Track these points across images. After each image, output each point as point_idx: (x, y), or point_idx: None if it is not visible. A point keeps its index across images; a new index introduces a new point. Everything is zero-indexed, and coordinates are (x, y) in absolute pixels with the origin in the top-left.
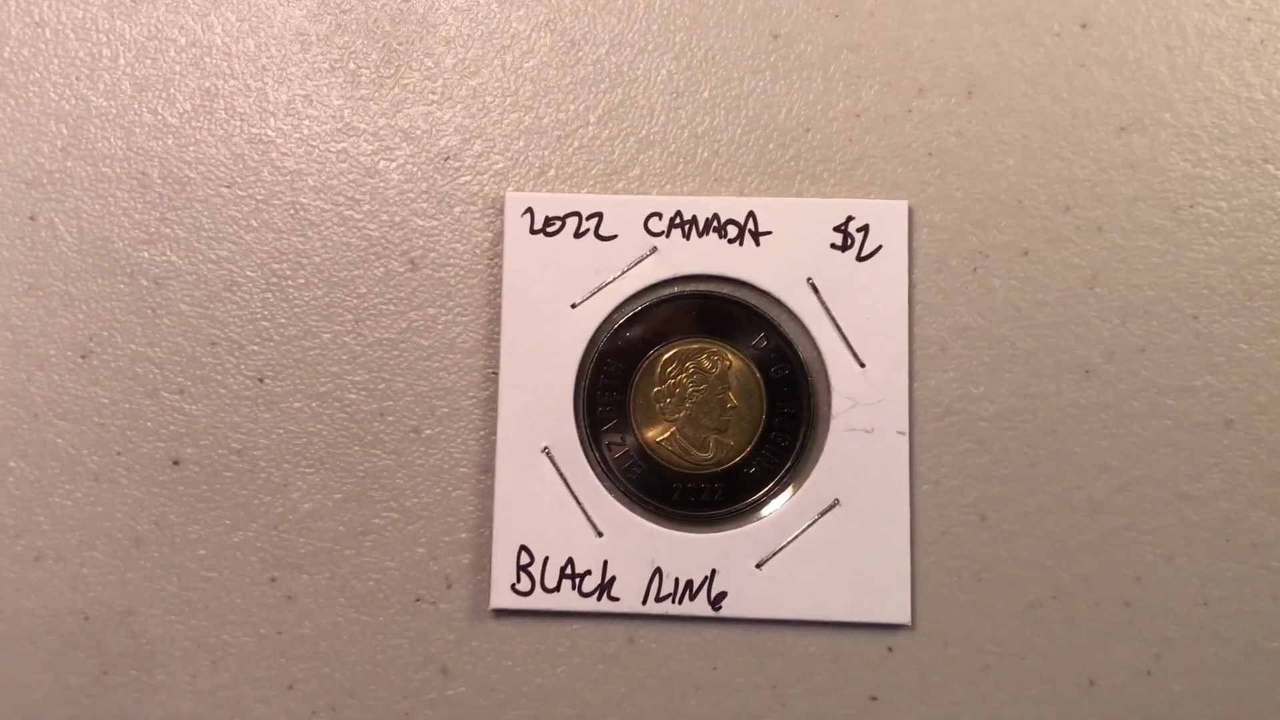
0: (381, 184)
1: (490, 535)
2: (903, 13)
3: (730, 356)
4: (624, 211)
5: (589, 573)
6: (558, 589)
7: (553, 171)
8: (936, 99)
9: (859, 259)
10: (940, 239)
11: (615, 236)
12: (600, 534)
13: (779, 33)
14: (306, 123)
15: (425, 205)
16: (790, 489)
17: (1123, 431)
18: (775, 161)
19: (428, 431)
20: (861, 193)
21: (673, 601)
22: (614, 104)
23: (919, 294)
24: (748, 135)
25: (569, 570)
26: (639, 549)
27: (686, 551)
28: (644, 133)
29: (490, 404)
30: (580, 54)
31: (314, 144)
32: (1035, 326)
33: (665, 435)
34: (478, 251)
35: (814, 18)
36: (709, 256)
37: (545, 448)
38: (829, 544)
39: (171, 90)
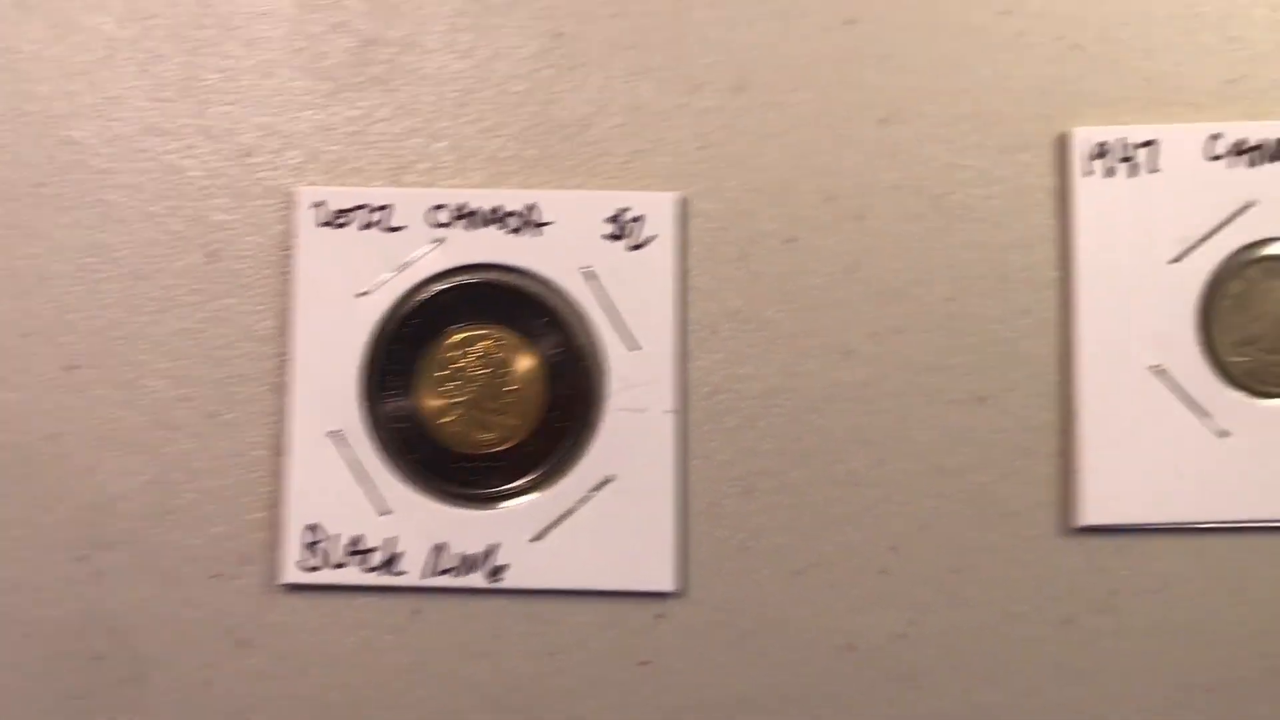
0: (184, 181)
1: (282, 514)
2: (676, 11)
3: (512, 342)
4: (411, 204)
5: (375, 549)
6: (345, 565)
7: (346, 166)
8: (709, 95)
9: (632, 248)
10: (711, 228)
11: (403, 228)
12: (387, 512)
13: (561, 31)
14: (114, 124)
15: (225, 200)
16: (567, 467)
17: (881, 408)
18: (557, 156)
19: (226, 416)
20: (637, 185)
21: (454, 575)
22: (404, 102)
23: (692, 280)
24: (531, 130)
25: (356, 547)
26: (423, 526)
27: (468, 527)
28: (432, 129)
29: (284, 390)
30: (372, 54)
31: (121, 144)
32: (800, 310)
33: (449, 417)
34: (272, 243)
35: (594, 17)
36: (491, 246)
37: (334, 430)
38: (602, 518)
39: None
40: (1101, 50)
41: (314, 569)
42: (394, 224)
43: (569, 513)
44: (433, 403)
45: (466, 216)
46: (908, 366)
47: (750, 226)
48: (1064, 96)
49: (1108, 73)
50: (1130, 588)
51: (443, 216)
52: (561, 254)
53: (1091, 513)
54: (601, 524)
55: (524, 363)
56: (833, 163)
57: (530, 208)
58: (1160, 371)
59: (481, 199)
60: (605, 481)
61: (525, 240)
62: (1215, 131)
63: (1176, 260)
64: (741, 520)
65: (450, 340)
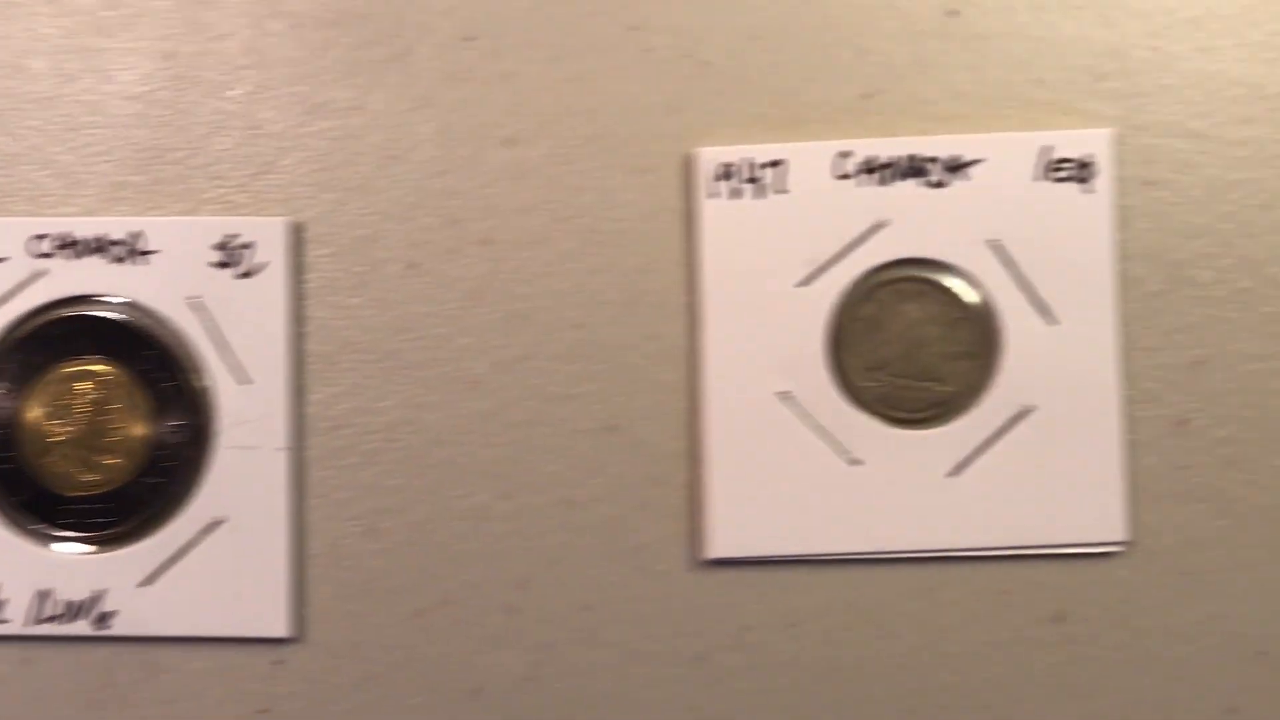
0: None
1: None
2: (295, 31)
3: (118, 377)
4: (10, 234)
5: None
6: None
7: None
8: (327, 116)
9: (241, 276)
10: (329, 255)
11: (4, 259)
12: None
13: (174, 52)
14: None
15: None
16: (176, 509)
17: (508, 439)
18: (168, 180)
19: None
20: (252, 210)
21: (59, 622)
22: (7, 127)
23: (308, 310)
24: (142, 155)
25: None
26: (26, 571)
27: (73, 572)
28: (39, 156)
29: None
30: None
31: None
32: (423, 339)
33: (52, 457)
34: None
35: (207, 38)
36: (95, 277)
37: None
38: (213, 561)
39: None
40: (731, 66)
41: None
42: None
43: (179, 556)
44: (35, 444)
45: (69, 246)
46: (535, 395)
47: (370, 253)
48: (693, 115)
49: (737, 90)
50: (763, 623)
51: (45, 246)
52: (168, 283)
53: (720, 545)
54: (213, 567)
55: (132, 399)
56: (456, 185)
57: (135, 236)
58: (789, 398)
59: (85, 228)
60: (216, 523)
61: (130, 270)
62: (844, 149)
63: (805, 283)
64: (363, 560)
65: (53, 377)
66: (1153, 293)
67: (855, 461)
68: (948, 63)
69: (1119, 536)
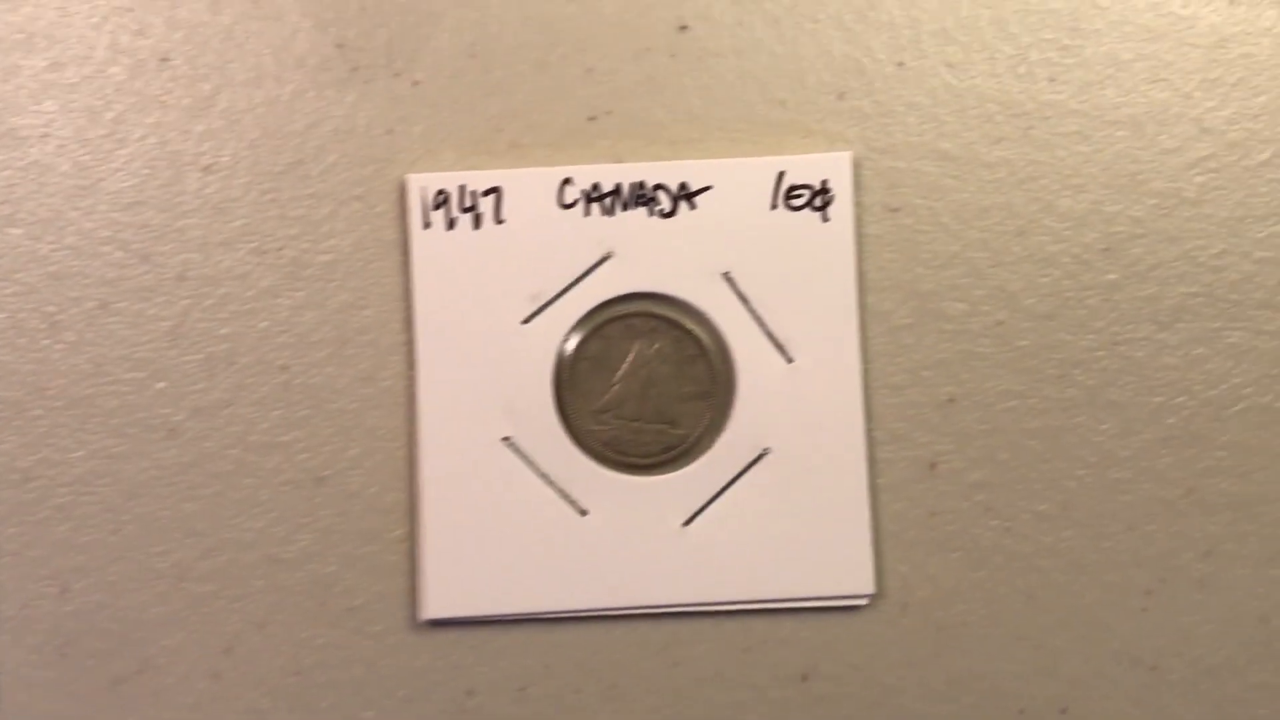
0: None
1: None
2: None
3: None
4: None
5: None
6: None
7: None
8: (12, 147)
9: None
10: (17, 295)
11: None
12: None
13: None
14: None
15: None
16: None
17: (209, 492)
18: None
19: None
20: None
21: None
22: None
23: None
24: None
25: None
26: None
27: None
28: None
29: None
30: None
31: None
32: (116, 384)
33: None
34: None
35: None
36: None
37: None
38: None
39: None
40: (446, 86)
41: None
42: None
43: None
44: None
45: None
46: (238, 444)
47: (60, 291)
48: (405, 139)
49: (453, 112)
50: (488, 687)
51: None
52: None
53: (438, 605)
54: None
55: None
56: (151, 218)
57: None
58: (513, 444)
59: None
60: None
61: None
62: (566, 176)
63: (528, 320)
64: (55, 625)
65: None
66: (900, 327)
67: (583, 511)
68: (679, 82)
69: (866, 589)
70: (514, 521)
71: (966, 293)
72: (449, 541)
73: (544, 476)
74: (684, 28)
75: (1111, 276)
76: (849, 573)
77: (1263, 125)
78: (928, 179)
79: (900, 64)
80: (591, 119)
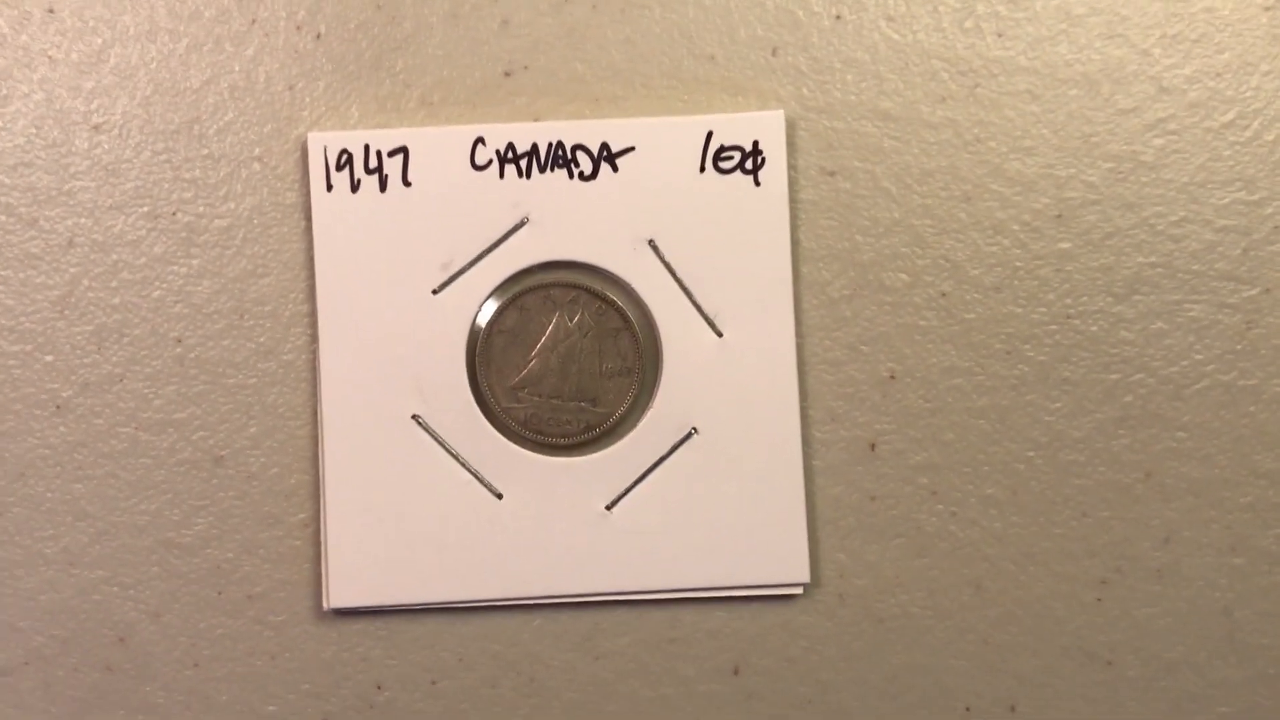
0: None
1: None
2: None
3: None
4: None
5: None
6: None
7: None
8: None
9: None
10: None
11: None
12: None
13: None
14: None
15: None
16: None
17: (100, 473)
18: None
19: None
20: None
21: None
22: None
23: None
24: None
25: None
26: None
27: None
28: None
29: None
30: None
31: None
32: (1, 357)
33: None
34: None
35: None
36: None
37: None
38: None
39: None
40: (351, 40)
41: None
42: None
43: None
44: None
45: None
46: (130, 422)
47: None
48: (307, 96)
49: (359, 67)
50: (398, 680)
51: None
52: None
53: (344, 594)
54: None
55: None
56: (35, 179)
57: None
58: (423, 423)
59: None
60: None
61: None
62: (479, 135)
63: (439, 290)
64: None
65: None
66: (837, 298)
67: (499, 494)
68: (602, 36)
69: (801, 578)
70: (425, 505)
71: (909, 262)
72: (355, 526)
73: (456, 457)
74: None
75: (1064, 245)
76: (782, 561)
77: (1225, 84)
78: (867, 140)
79: (838, 17)
80: (507, 74)
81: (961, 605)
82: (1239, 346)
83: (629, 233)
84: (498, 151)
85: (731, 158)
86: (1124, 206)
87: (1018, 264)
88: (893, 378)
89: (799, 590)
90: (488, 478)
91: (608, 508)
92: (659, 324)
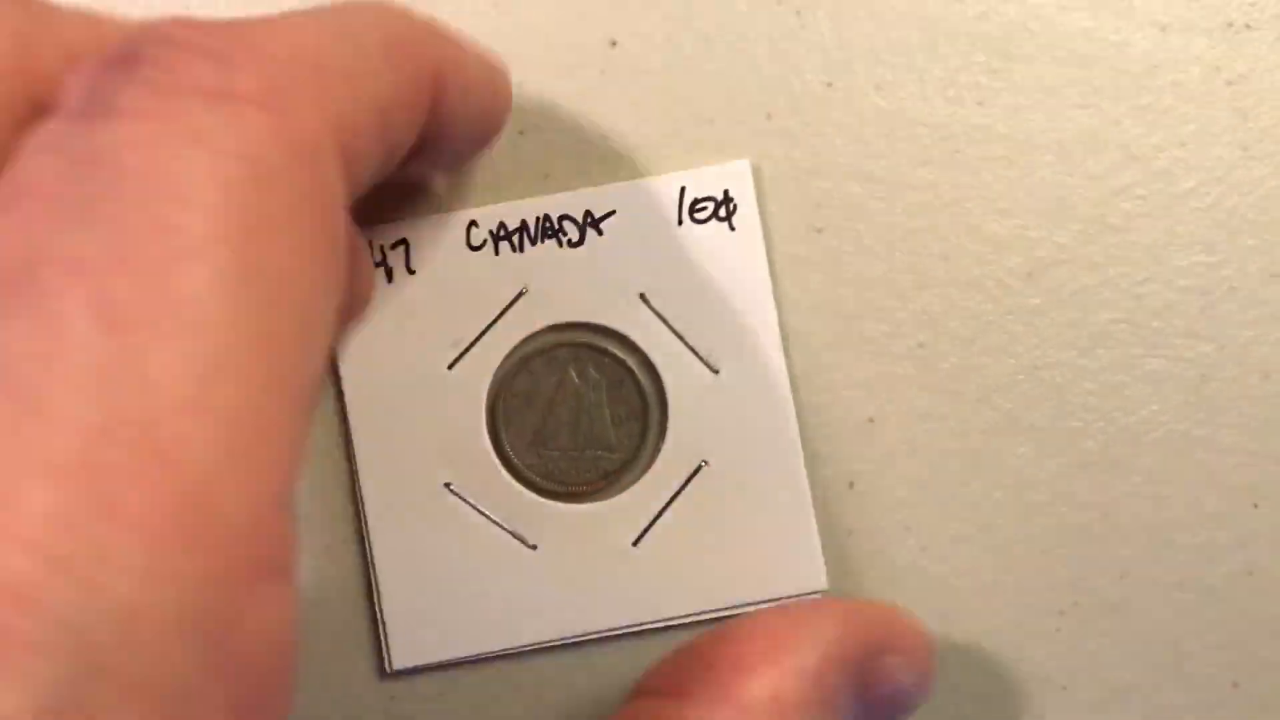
0: None
1: None
2: None
3: None
4: None
5: None
6: None
7: None
8: None
9: None
10: None
11: None
12: None
13: None
14: None
15: None
16: None
17: None
18: None
19: None
20: None
21: None
22: None
23: None
24: None
25: None
26: None
27: None
28: None
29: None
30: None
31: None
32: None
33: None
34: None
35: None
36: None
37: None
38: None
39: None
40: None
41: None
42: None
43: None
44: None
45: None
46: None
47: None
48: None
49: None
50: None
51: None
52: None
53: (402, 655)
54: None
55: None
56: None
57: None
58: (454, 489)
59: None
60: None
61: None
62: (472, 219)
63: (453, 365)
64: None
65: None
66: (821, 347)
67: (533, 546)
68: (608, 100)
69: (819, 585)
70: (466, 564)
71: (889, 314)
72: (406, 592)
73: (489, 517)
74: (614, 43)
75: (1034, 301)
76: (800, 570)
77: (1190, 153)
78: (853, 200)
79: (829, 84)
80: (521, 132)
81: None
82: (1193, 399)
83: (620, 289)
84: (490, 231)
85: (706, 208)
86: (1091, 266)
87: (990, 318)
88: (872, 421)
89: (819, 596)
90: (521, 531)
91: (634, 544)
92: (660, 369)
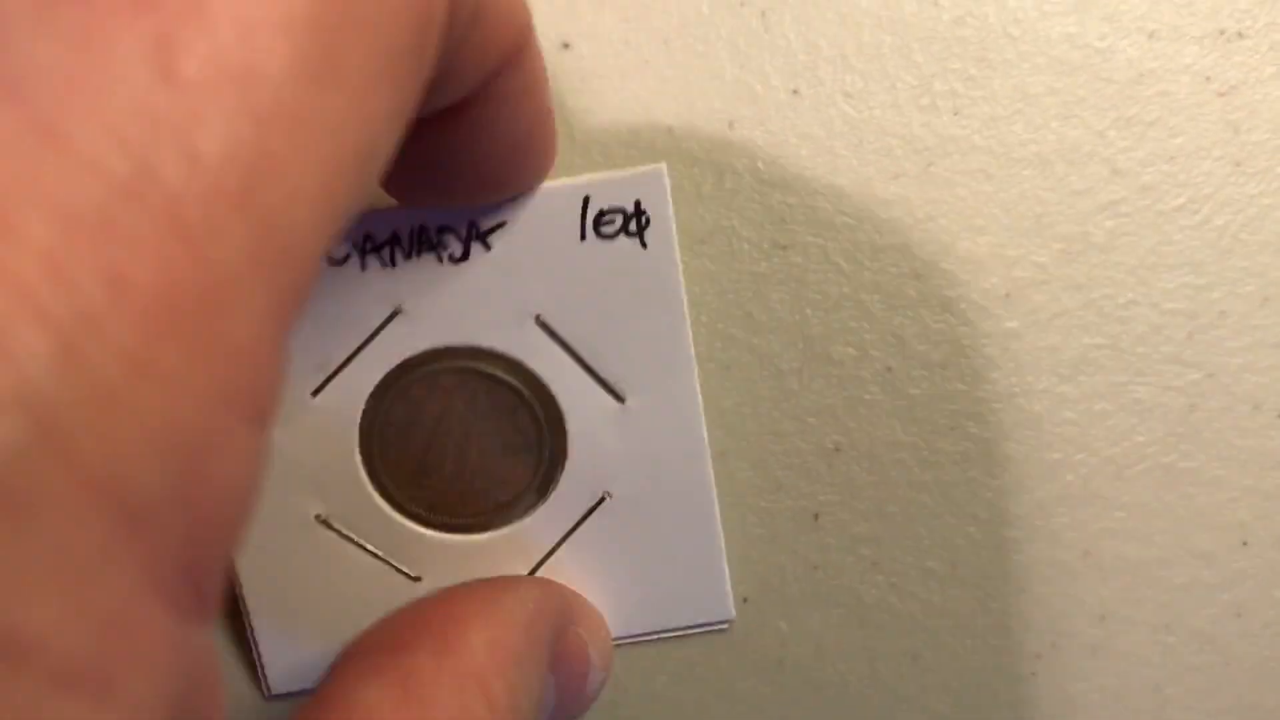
0: None
1: None
2: None
3: None
4: None
5: None
6: None
7: None
8: None
9: None
10: None
11: None
12: None
13: None
14: None
15: None
16: None
17: None
18: None
19: None
20: None
21: None
22: None
23: None
24: None
25: None
26: None
27: None
28: None
29: None
30: None
31: None
32: None
33: None
34: None
35: None
36: None
37: None
38: None
39: None
40: None
41: None
42: None
43: None
44: None
45: None
46: None
47: None
48: None
49: None
50: None
51: None
52: None
53: (279, 681)
54: None
55: None
56: None
57: None
58: (327, 522)
59: None
60: None
61: None
62: None
63: (318, 392)
64: None
65: None
66: (786, 370)
67: (416, 577)
68: (559, 105)
69: (727, 615)
70: (341, 596)
71: (856, 336)
72: (279, 622)
73: (364, 548)
74: (566, 45)
75: (1011, 324)
76: (708, 601)
77: (1178, 168)
78: (820, 215)
79: (795, 91)
80: None
81: (899, 675)
82: (1180, 429)
83: (512, 310)
84: (354, 243)
85: (613, 221)
86: (1073, 287)
87: (964, 342)
88: (838, 450)
89: (725, 627)
90: (401, 564)
91: (530, 574)
92: (558, 396)
